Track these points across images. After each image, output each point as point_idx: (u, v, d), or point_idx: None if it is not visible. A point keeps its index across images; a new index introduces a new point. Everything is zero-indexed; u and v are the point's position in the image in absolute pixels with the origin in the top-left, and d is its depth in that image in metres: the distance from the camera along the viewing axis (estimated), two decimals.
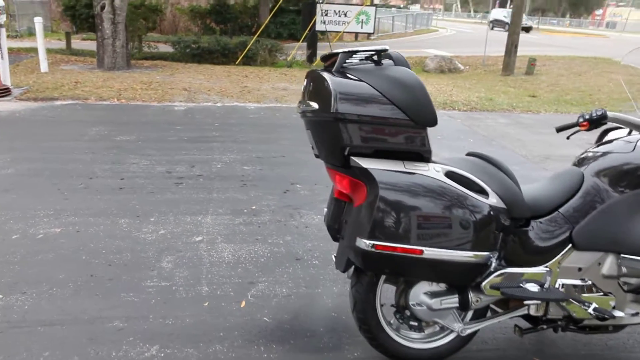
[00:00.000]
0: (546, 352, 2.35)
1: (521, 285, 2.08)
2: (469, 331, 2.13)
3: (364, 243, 1.82)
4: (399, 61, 2.06)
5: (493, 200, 1.94)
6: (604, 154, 2.28)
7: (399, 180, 1.84)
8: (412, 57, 16.31)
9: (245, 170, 4.59)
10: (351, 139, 1.83)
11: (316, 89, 1.93)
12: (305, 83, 2.06)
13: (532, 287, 2.08)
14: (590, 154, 2.33)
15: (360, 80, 1.86)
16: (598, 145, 2.41)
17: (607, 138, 2.47)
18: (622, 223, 2.13)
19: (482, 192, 1.93)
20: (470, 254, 1.89)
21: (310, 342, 2.31)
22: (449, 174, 1.91)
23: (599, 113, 2.33)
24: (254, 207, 3.76)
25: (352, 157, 1.85)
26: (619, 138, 2.39)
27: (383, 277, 2.10)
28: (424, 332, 2.19)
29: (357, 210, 1.93)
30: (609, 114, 2.34)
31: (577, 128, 2.47)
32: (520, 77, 13.14)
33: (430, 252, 1.84)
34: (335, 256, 2.22)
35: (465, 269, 1.92)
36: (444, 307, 2.06)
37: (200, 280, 2.75)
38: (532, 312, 2.13)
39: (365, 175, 1.86)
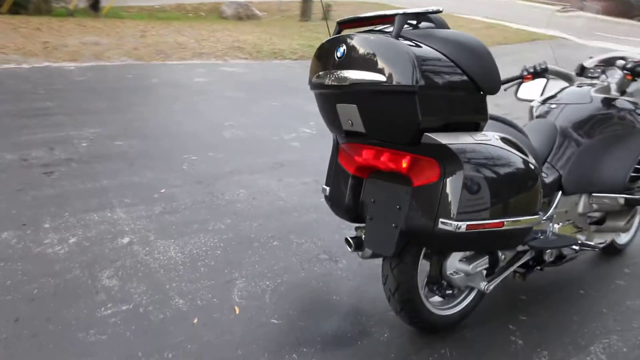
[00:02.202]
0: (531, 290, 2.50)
1: (541, 236, 2.15)
2: (492, 287, 2.13)
3: (453, 225, 1.62)
4: (440, 24, 1.83)
5: (533, 160, 1.91)
6: (566, 105, 2.42)
7: (475, 154, 1.66)
8: (205, 4, 15.48)
9: (120, 146, 3.82)
10: (428, 113, 1.58)
11: (378, 57, 1.60)
12: (338, 48, 1.70)
13: (552, 237, 2.16)
14: (553, 106, 2.45)
15: (430, 47, 1.60)
16: (550, 97, 2.55)
17: (549, 89, 2.61)
18: (593, 166, 2.32)
19: (525, 154, 1.88)
20: (535, 216, 1.85)
21: (337, 335, 2.06)
22: (504, 140, 1.80)
23: (543, 66, 2.47)
24: (163, 191, 3.17)
25: (427, 134, 1.61)
26: (563, 89, 2.56)
27: (422, 254, 1.95)
28: (456, 298, 2.13)
29: (424, 190, 1.71)
30: (550, 66, 2.49)
31: (521, 80, 2.58)
32: (319, 23, 13.48)
33: (509, 222, 1.75)
34: (353, 238, 1.98)
35: (527, 231, 1.88)
36: (478, 270, 2.02)
37: (167, 292, 2.22)
38: (547, 258, 2.22)
39: (440, 152, 1.64)
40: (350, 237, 2.00)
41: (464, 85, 1.63)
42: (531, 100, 2.65)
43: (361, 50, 1.65)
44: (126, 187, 3.16)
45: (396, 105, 1.61)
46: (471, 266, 1.98)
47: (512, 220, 1.75)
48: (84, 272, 2.30)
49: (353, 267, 2.54)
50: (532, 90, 2.62)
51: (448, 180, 1.65)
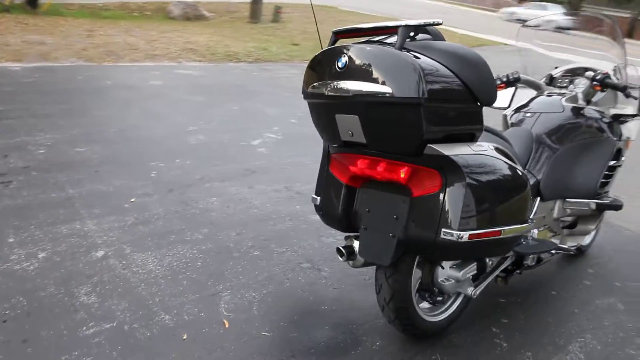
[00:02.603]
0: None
1: (524, 242, 2.22)
2: (478, 292, 2.18)
3: (455, 234, 1.65)
4: (436, 35, 1.86)
5: (521, 168, 1.97)
6: (540, 114, 2.52)
7: (474, 164, 1.70)
8: (151, 3, 15.07)
9: (81, 153, 3.64)
10: (431, 125, 1.60)
11: (382, 68, 1.60)
12: (339, 59, 1.69)
13: (533, 242, 2.24)
14: (528, 115, 2.55)
15: (431, 58, 1.62)
16: (522, 106, 2.64)
17: (517, 98, 2.70)
18: (567, 172, 2.43)
19: (515, 163, 1.94)
20: (528, 224, 1.91)
21: (330, 345, 2.05)
22: (497, 150, 1.85)
23: (515, 75, 2.56)
24: (133, 200, 3.04)
25: (430, 145, 1.63)
26: (533, 98, 2.67)
27: (416, 263, 1.97)
28: (444, 304, 2.17)
29: (424, 200, 1.73)
30: (522, 76, 2.59)
31: None
32: (269, 25, 13.42)
33: (506, 230, 1.79)
34: (344, 248, 1.98)
35: (519, 238, 1.94)
36: (467, 276, 2.06)
37: (150, 307, 2.13)
38: (529, 262, 2.30)
39: (442, 163, 1.67)
40: (342, 247, 1.99)
41: (464, 97, 1.66)
42: (501, 108, 2.73)
43: (364, 61, 1.65)
44: (94, 197, 3.01)
45: (400, 116, 1.61)
46: (461, 273, 2.02)
47: (509, 228, 1.80)
48: (59, 289, 2.18)
49: (336, 276, 2.53)
50: (501, 98, 2.70)
51: (449, 190, 1.68)
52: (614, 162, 2.51)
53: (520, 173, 1.87)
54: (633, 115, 2.55)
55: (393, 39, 1.80)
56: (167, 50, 7.58)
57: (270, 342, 2.03)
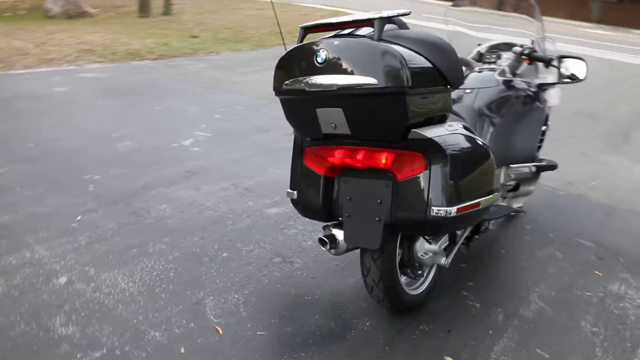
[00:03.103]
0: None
1: (490, 209, 2.41)
2: (449, 260, 2.34)
3: (444, 211, 1.76)
4: (401, 25, 1.94)
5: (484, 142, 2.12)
6: (479, 89, 2.71)
7: (452, 143, 1.82)
8: (24, 0, 13.80)
9: (3, 175, 3.31)
10: (415, 111, 1.69)
11: (366, 60, 1.65)
12: (318, 54, 1.71)
13: (494, 208, 2.43)
14: (468, 91, 2.72)
15: (406, 47, 1.70)
16: None
17: None
18: (508, 141, 2.65)
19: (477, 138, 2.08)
20: (497, 192, 2.07)
21: (325, 333, 2.10)
22: (465, 127, 1.98)
23: None
24: (79, 219, 2.85)
25: (414, 130, 1.72)
26: (467, 75, 2.86)
27: (398, 242, 2.07)
28: (422, 277, 2.30)
29: (410, 182, 1.82)
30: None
31: None
32: (162, 19, 12.83)
33: (484, 201, 1.94)
34: (327, 237, 2.03)
35: (490, 207, 2.10)
36: (441, 247, 2.21)
37: (137, 327, 2.05)
38: (491, 227, 2.50)
39: (424, 145, 1.76)
40: (324, 236, 2.04)
41: (438, 81, 1.77)
42: None
43: (345, 55, 1.69)
44: (34, 220, 2.78)
45: (385, 106, 1.69)
46: (437, 245, 2.15)
47: (485, 199, 1.95)
48: (30, 325, 2.02)
49: (309, 265, 2.58)
50: None
51: (434, 170, 1.78)
52: (544, 127, 2.77)
53: (485, 147, 2.03)
54: (553, 84, 2.82)
55: (364, 31, 1.87)
56: (62, 53, 7.01)
57: (267, 340, 2.04)
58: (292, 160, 2.14)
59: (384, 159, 1.85)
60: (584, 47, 11.58)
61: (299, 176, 2.11)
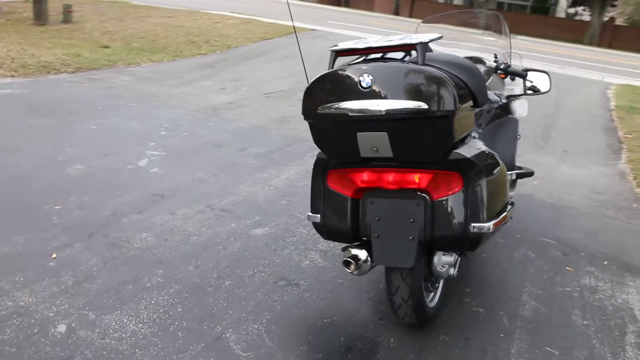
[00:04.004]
0: None
1: None
2: (457, 270, 2.43)
3: (485, 226, 1.83)
4: (429, 48, 1.98)
5: None
6: None
7: (482, 160, 1.90)
8: None
9: None
10: (458, 133, 1.75)
11: (414, 85, 1.67)
12: (362, 78, 1.71)
13: None
14: None
15: (449, 72, 1.75)
16: None
17: None
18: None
19: None
20: (511, 203, 2.18)
21: (355, 353, 2.10)
22: (481, 142, 2.07)
23: None
24: (55, 256, 2.58)
25: (455, 151, 1.77)
26: None
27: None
28: (436, 289, 2.36)
29: (448, 200, 1.87)
30: None
31: None
32: (62, 27, 11.91)
33: (508, 212, 2.03)
34: (352, 258, 2.02)
35: None
36: (454, 259, 2.29)
37: None
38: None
39: (462, 165, 1.82)
40: (349, 258, 2.04)
41: (470, 102, 1.84)
42: None
43: (392, 80, 1.70)
44: (4, 263, 2.47)
45: (432, 128, 1.73)
46: (452, 258, 2.23)
47: (509, 210, 2.06)
48: None
49: (315, 286, 2.56)
50: None
51: (472, 188, 1.85)
52: (518, 136, 2.97)
53: (499, 160, 2.13)
54: (519, 95, 3.03)
55: (396, 55, 1.89)
56: None
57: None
58: (313, 183, 2.11)
59: (417, 179, 1.88)
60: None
61: (323, 199, 2.08)
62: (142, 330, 2.10)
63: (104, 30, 11.63)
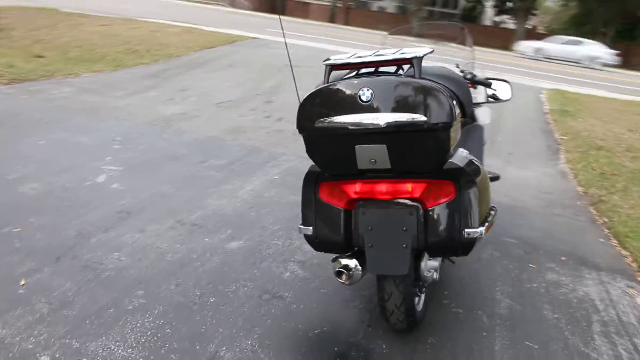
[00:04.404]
0: None
1: None
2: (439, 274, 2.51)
3: (477, 232, 1.91)
4: None
5: None
6: None
7: (472, 169, 1.98)
8: None
9: None
10: (453, 143, 1.82)
11: (414, 98, 1.73)
12: (362, 92, 1.74)
13: None
14: None
15: (443, 85, 1.82)
16: None
17: None
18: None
19: None
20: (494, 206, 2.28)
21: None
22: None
23: None
24: (24, 283, 2.43)
25: (450, 160, 1.85)
26: None
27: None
28: (422, 293, 2.42)
29: (441, 208, 1.93)
30: None
31: None
32: None
33: (495, 216, 2.12)
34: (344, 268, 2.06)
35: None
36: (439, 263, 2.37)
37: None
38: None
39: (457, 173, 1.90)
40: (340, 269, 2.07)
41: (462, 113, 1.92)
42: None
43: (391, 93, 1.75)
44: None
45: (430, 140, 1.79)
46: (438, 262, 2.30)
47: (494, 214, 2.15)
48: None
49: (301, 297, 2.56)
50: None
51: (464, 195, 1.93)
52: (484, 142, 3.11)
53: (481, 166, 2.22)
54: (482, 103, 3.18)
55: (389, 69, 1.94)
56: None
57: None
58: (304, 196, 2.12)
59: (410, 188, 1.94)
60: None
61: (315, 211, 2.09)
62: (133, 356, 2.03)
63: (35, 38, 11.04)
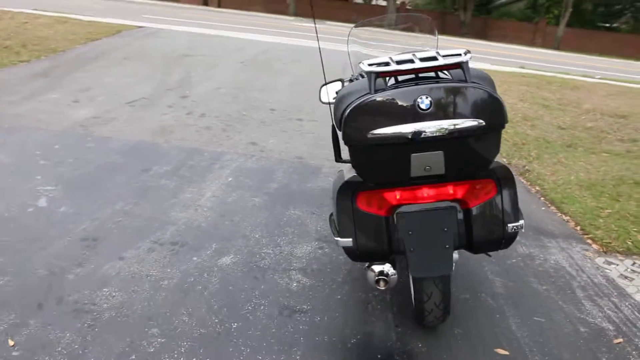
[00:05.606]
0: None
1: None
2: None
3: (517, 226, 1.99)
4: None
5: None
6: None
7: (503, 164, 2.05)
8: None
9: None
10: (500, 144, 1.87)
11: (472, 103, 1.74)
12: (421, 100, 1.71)
13: None
14: None
15: (487, 87, 1.83)
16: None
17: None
18: None
19: None
20: None
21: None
22: None
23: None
24: (13, 344, 2.05)
25: (495, 160, 1.89)
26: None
27: None
28: None
29: (484, 206, 1.97)
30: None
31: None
32: None
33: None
34: (383, 275, 2.05)
35: None
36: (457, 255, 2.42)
37: None
38: None
39: (499, 171, 1.96)
40: (379, 277, 2.06)
41: None
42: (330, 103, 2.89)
43: (450, 100, 1.74)
44: None
45: (485, 142, 1.81)
46: (457, 254, 2.36)
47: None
48: None
49: (318, 307, 2.51)
50: (329, 93, 2.82)
51: (505, 192, 1.99)
52: None
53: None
54: None
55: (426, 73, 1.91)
56: None
57: None
58: (339, 207, 2.04)
59: (451, 190, 1.96)
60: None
61: (353, 222, 2.02)
62: None
63: None
